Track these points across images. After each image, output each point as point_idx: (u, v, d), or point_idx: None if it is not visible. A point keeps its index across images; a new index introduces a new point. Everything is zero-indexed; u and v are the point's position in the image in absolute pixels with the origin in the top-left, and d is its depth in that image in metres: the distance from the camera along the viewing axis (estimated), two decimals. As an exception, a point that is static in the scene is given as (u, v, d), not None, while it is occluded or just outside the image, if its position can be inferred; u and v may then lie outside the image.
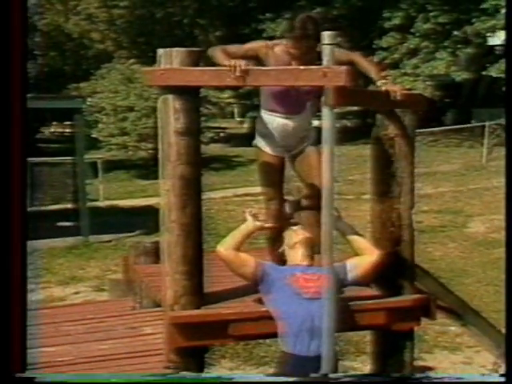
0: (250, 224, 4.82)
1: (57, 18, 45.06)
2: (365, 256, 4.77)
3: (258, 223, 4.82)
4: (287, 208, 5.39)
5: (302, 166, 5.26)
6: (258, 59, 4.91)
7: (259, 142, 5.26)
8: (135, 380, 4.40)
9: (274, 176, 5.27)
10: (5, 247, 3.67)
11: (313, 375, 4.27)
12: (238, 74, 4.49)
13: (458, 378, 4.34)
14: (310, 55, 4.78)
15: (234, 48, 4.89)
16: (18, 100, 3.71)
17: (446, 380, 4.26)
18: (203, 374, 4.65)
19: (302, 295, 4.51)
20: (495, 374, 4.42)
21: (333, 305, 4.30)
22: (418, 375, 5.11)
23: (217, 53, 4.76)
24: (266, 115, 5.17)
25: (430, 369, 7.72)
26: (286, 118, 5.05)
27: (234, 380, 4.18)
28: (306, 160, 5.20)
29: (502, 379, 3.99)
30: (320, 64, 4.35)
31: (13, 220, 3.69)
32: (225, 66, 4.54)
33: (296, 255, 4.77)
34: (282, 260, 4.90)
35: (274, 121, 5.10)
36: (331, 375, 4.23)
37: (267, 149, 5.20)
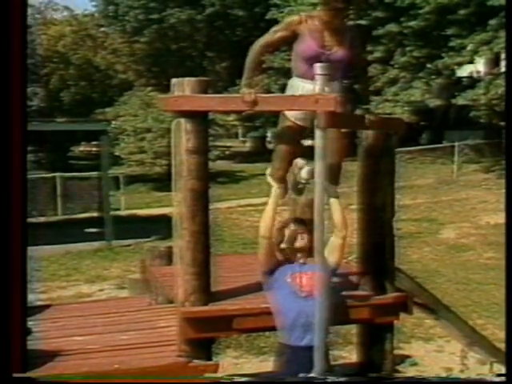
0: (276, 190, 4.76)
1: (87, 52, 45.23)
2: (333, 240, 4.64)
3: (280, 188, 4.77)
4: (304, 173, 5.05)
5: None
6: (293, 36, 4.71)
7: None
8: (137, 377, 4.37)
9: (292, 144, 4.90)
10: (5, 247, 3.58)
11: (302, 375, 4.22)
12: (247, 100, 4.46)
13: (458, 378, 4.24)
14: (340, 23, 4.66)
15: (268, 37, 4.74)
16: (19, 117, 3.63)
17: (447, 381, 4.17)
18: (206, 375, 4.59)
19: (299, 293, 4.46)
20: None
21: (325, 302, 4.25)
22: (419, 376, 5.06)
23: (253, 57, 4.70)
24: (296, 80, 4.79)
25: (407, 357, 7.68)
26: (315, 84, 4.47)
27: (234, 380, 4.10)
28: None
29: (502, 379, 3.84)
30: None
31: (13, 226, 3.60)
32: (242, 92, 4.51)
33: (295, 255, 4.67)
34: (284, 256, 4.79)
35: (304, 87, 4.67)
36: (331, 378, 4.14)
37: (292, 115, 4.80)
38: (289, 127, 4.85)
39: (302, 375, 4.23)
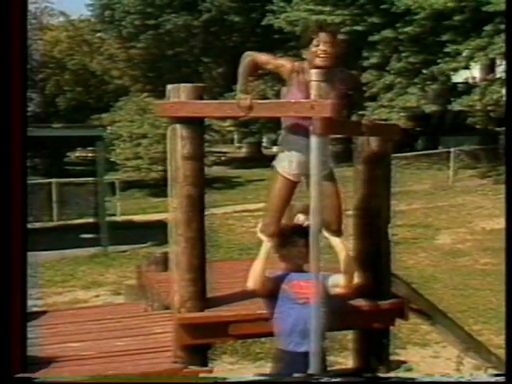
0: (266, 244, 4.65)
1: (83, 58, 45.21)
2: (340, 278, 4.58)
3: (271, 242, 4.67)
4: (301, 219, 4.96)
5: None
6: (280, 76, 4.71)
7: (278, 164, 4.77)
8: (133, 379, 4.36)
9: (284, 200, 4.79)
10: (5, 250, 3.58)
11: (298, 375, 4.22)
12: (242, 106, 4.46)
13: (459, 378, 4.23)
14: (328, 75, 4.51)
15: (261, 60, 4.67)
16: (19, 122, 3.63)
17: (449, 380, 4.16)
18: (200, 375, 4.59)
19: (297, 300, 4.45)
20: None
21: (321, 307, 4.25)
22: (420, 377, 5.05)
23: (244, 68, 4.64)
24: (289, 135, 4.74)
25: (404, 362, 7.67)
26: (309, 138, 4.43)
27: (228, 380, 4.09)
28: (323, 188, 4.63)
29: (502, 379, 3.83)
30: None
31: (13, 231, 3.60)
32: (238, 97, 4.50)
33: (293, 262, 4.65)
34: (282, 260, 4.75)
35: (298, 141, 4.63)
36: (325, 378, 4.14)
37: (286, 172, 4.72)
38: (281, 183, 4.75)
39: (297, 375, 4.23)
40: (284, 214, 4.90)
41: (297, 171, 4.68)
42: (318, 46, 4.54)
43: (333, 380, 3.98)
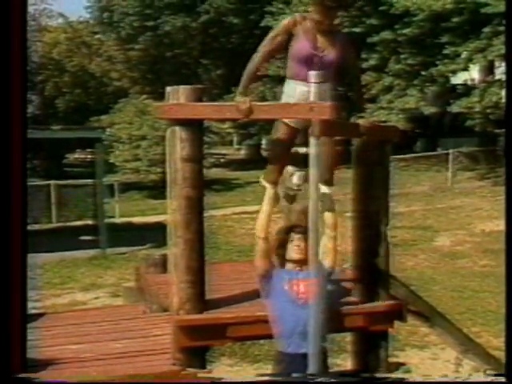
0: (269, 191, 4.76)
1: (82, 60, 45.21)
2: (325, 243, 4.63)
3: (274, 189, 4.76)
4: (296, 179, 5.16)
5: None
6: (291, 37, 4.75)
7: (284, 97, 4.87)
8: (132, 379, 4.36)
9: (286, 147, 4.91)
10: (6, 252, 3.57)
11: (296, 375, 4.22)
12: (242, 108, 4.48)
13: (458, 378, 4.23)
14: (332, 25, 4.73)
15: (269, 44, 4.75)
16: (19, 124, 3.63)
17: (449, 381, 4.16)
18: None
19: (297, 301, 4.45)
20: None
21: (320, 307, 4.25)
22: (421, 378, 5.05)
23: (251, 69, 4.73)
24: (289, 82, 4.84)
25: (402, 364, 7.66)
26: (308, 86, 4.41)
27: (224, 380, 4.09)
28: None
29: (502, 379, 3.83)
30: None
31: (13, 233, 3.60)
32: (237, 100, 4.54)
33: (292, 262, 4.66)
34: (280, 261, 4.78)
35: (297, 88, 4.74)
36: (322, 378, 4.14)
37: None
38: (282, 129, 4.86)
39: (295, 375, 4.24)
40: (286, 163, 5.01)
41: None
42: (325, 18, 4.64)
43: (330, 380, 3.98)
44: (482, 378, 4.98)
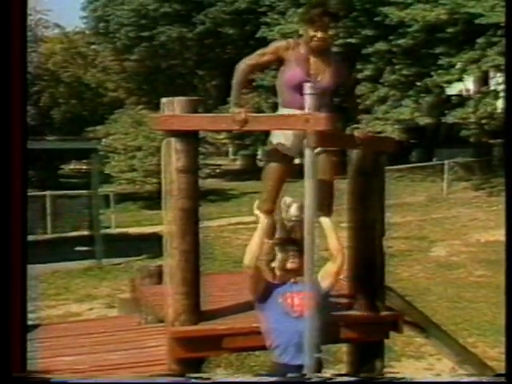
0: (263, 221, 4.68)
1: (78, 70, 45.25)
2: (328, 266, 4.58)
3: (268, 219, 4.71)
4: (293, 210, 5.06)
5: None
6: (279, 60, 4.73)
7: (274, 138, 4.82)
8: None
9: (280, 177, 4.83)
10: (5, 262, 3.57)
11: (292, 375, 4.21)
12: (237, 120, 4.46)
13: (458, 378, 4.21)
14: (325, 49, 4.70)
15: (255, 59, 4.75)
16: (19, 135, 3.63)
17: (448, 380, 4.14)
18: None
19: (291, 314, 4.43)
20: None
21: (315, 320, 4.24)
22: (421, 378, 5.03)
23: (239, 76, 4.70)
24: (283, 110, 4.77)
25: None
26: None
27: (212, 381, 4.06)
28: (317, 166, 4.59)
29: (502, 379, 3.82)
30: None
31: (13, 244, 3.60)
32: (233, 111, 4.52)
33: (286, 275, 4.64)
34: (273, 274, 4.76)
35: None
36: (323, 378, 4.12)
37: (280, 147, 4.76)
38: (276, 157, 4.80)
39: (291, 375, 4.22)
40: (280, 193, 4.91)
41: (290, 146, 4.70)
42: (317, 31, 4.60)
43: (328, 381, 3.97)
44: (482, 379, 4.97)
